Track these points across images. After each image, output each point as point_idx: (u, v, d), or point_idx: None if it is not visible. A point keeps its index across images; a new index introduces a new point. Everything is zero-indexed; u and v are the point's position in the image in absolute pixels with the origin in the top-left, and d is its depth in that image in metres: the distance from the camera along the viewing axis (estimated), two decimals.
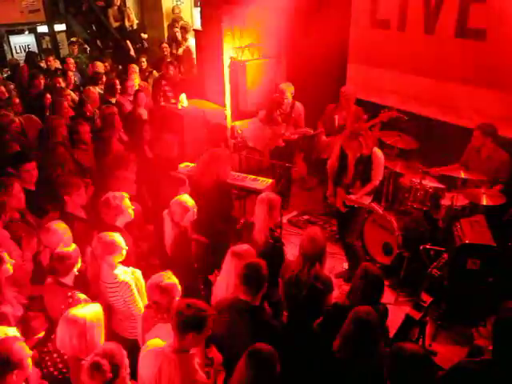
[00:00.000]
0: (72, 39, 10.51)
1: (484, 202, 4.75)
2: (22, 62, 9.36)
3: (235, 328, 3.12)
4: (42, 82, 7.65)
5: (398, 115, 5.73)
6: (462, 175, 4.89)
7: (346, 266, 5.63)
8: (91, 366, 2.53)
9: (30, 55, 9.98)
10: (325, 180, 5.84)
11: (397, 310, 4.72)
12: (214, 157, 4.72)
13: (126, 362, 2.67)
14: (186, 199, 4.22)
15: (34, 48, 11.36)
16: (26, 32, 11.53)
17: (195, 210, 4.21)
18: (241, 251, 3.56)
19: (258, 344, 2.67)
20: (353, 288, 3.39)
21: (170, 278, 3.25)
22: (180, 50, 9.39)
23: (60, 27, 11.64)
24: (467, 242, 4.47)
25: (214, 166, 4.71)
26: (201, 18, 7.90)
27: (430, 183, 5.22)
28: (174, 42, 9.77)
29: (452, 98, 5.80)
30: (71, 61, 8.63)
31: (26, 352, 2.68)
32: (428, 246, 5.01)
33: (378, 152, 4.99)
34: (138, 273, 3.81)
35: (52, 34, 11.46)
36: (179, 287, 3.26)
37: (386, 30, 6.39)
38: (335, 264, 5.69)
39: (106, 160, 5.40)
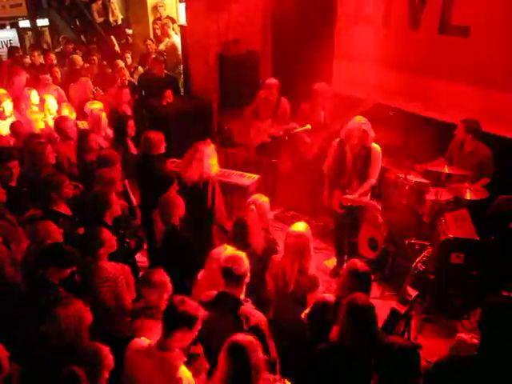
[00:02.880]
0: (62, 36, 10.41)
1: (468, 196, 4.81)
2: (4, 57, 9.21)
3: (219, 322, 3.13)
4: (24, 77, 7.52)
5: (380, 104, 5.79)
6: (446, 170, 4.94)
7: (330, 263, 5.67)
8: (67, 376, 2.51)
9: (11, 50, 9.79)
10: (310, 177, 5.86)
11: (382, 304, 4.76)
12: (198, 152, 4.67)
13: (109, 362, 2.66)
14: (175, 196, 4.20)
15: (17, 43, 11.17)
16: (8, 27, 11.33)
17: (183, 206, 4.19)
18: (219, 255, 3.53)
19: (237, 334, 2.67)
20: (341, 284, 3.41)
21: (161, 275, 3.25)
22: (161, 46, 9.32)
23: (43, 22, 11.47)
24: (451, 236, 4.53)
25: (198, 161, 4.65)
26: (186, 13, 7.85)
27: (415, 178, 5.26)
28: (154, 38, 9.72)
29: (436, 94, 5.86)
30: (52, 56, 8.52)
31: (3, 352, 2.66)
32: (413, 241, 5.06)
33: (376, 148, 4.97)
34: (128, 269, 3.80)
35: (34, 28, 11.29)
36: (170, 284, 3.26)
37: (371, 26, 6.41)
38: (322, 259, 5.72)
39: (89, 156, 5.34)
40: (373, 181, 5.04)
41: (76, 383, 2.50)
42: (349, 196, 5.05)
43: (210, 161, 4.70)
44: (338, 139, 5.16)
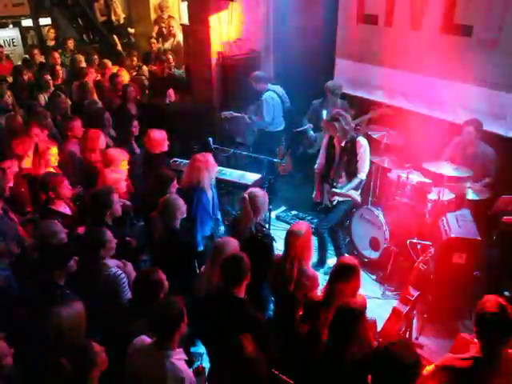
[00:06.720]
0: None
1: (470, 196, 4.80)
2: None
3: (219, 320, 3.13)
4: (26, 76, 7.54)
5: (388, 111, 5.79)
6: (449, 170, 4.93)
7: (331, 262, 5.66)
8: (52, 365, 2.52)
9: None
10: (312, 175, 5.84)
11: (384, 304, 4.77)
12: (195, 164, 4.69)
13: (101, 359, 2.66)
14: (177, 197, 4.19)
15: (19, 42, 11.19)
16: (10, 26, 11.35)
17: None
18: (224, 245, 3.56)
19: (240, 344, 2.64)
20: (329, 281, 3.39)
21: (157, 274, 3.25)
22: (166, 45, 9.31)
23: (45, 21, 11.48)
24: (453, 236, 4.52)
25: (194, 172, 4.67)
26: (188, 12, 7.84)
27: (417, 178, 5.25)
28: (160, 36, 9.72)
29: (438, 93, 5.85)
30: (56, 55, 8.53)
31: (7, 349, 2.66)
32: (415, 241, 5.05)
33: (362, 140, 4.93)
34: (130, 266, 3.80)
35: (37, 27, 11.30)
36: (166, 283, 3.26)
37: (373, 25, 6.40)
38: None
39: (94, 156, 5.33)
40: (361, 175, 4.98)
41: (60, 374, 2.49)
42: (336, 190, 5.00)
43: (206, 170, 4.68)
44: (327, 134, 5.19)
